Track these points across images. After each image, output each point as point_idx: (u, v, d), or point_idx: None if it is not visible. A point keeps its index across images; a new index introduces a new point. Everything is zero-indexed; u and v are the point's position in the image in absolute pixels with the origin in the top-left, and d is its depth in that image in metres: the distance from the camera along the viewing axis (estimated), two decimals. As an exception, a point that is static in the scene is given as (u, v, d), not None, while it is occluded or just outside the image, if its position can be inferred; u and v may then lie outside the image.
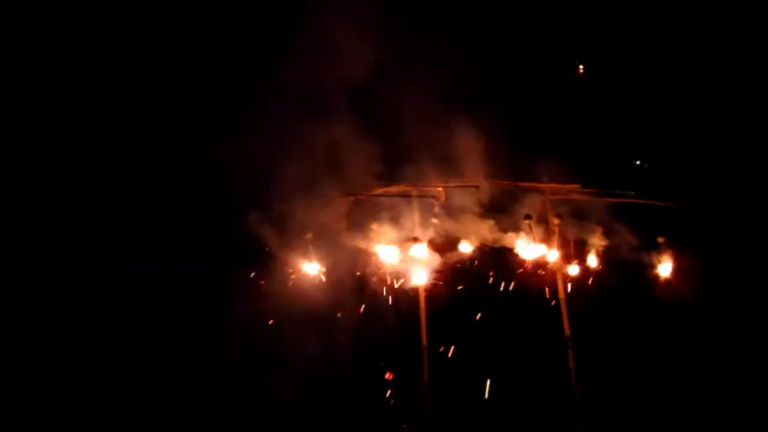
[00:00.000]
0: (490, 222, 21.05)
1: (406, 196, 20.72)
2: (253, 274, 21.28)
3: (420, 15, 22.68)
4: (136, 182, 22.52)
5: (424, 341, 20.14)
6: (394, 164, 20.95)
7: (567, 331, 20.38)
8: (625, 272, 21.36)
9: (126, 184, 22.50)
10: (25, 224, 21.93)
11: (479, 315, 21.61)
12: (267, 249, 20.78)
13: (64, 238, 21.97)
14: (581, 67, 25.11)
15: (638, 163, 24.62)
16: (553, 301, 20.60)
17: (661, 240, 21.28)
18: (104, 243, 22.06)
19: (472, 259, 21.16)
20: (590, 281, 21.27)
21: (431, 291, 20.29)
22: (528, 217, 20.70)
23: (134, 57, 22.87)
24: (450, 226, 20.86)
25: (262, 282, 21.16)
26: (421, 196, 20.62)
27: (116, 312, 21.64)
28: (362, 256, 20.68)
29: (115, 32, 22.99)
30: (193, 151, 22.04)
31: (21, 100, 22.39)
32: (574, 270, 21.10)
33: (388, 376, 21.25)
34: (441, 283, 20.57)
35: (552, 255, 20.73)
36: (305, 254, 20.65)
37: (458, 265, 21.00)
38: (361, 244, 20.65)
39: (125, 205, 22.35)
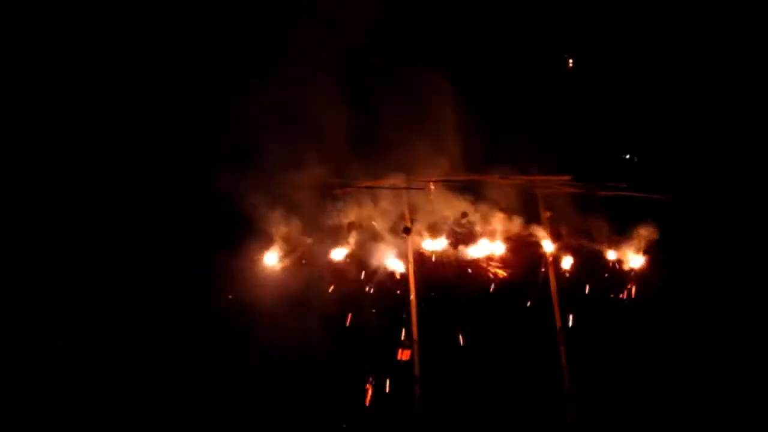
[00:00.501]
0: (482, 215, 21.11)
1: (396, 188, 20.76)
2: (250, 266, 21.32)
3: (418, 10, 22.75)
4: (136, 182, 22.49)
5: (415, 336, 20.18)
6: (386, 155, 21.00)
7: (559, 324, 20.42)
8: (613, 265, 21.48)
9: (126, 184, 22.45)
10: (25, 224, 21.85)
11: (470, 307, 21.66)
12: (261, 241, 20.92)
13: (64, 238, 21.89)
14: (570, 61, 25.01)
15: (628, 156, 24.53)
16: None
17: (645, 233, 21.30)
18: (104, 243, 21.97)
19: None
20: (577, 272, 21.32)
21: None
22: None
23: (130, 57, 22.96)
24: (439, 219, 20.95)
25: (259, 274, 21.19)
26: (410, 188, 20.65)
27: (116, 312, 21.56)
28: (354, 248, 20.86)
29: (114, 32, 23.00)
30: (189, 146, 22.05)
31: (21, 101, 22.29)
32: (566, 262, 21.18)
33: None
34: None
35: (546, 247, 20.82)
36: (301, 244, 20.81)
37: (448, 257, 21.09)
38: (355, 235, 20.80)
39: (125, 205, 22.31)
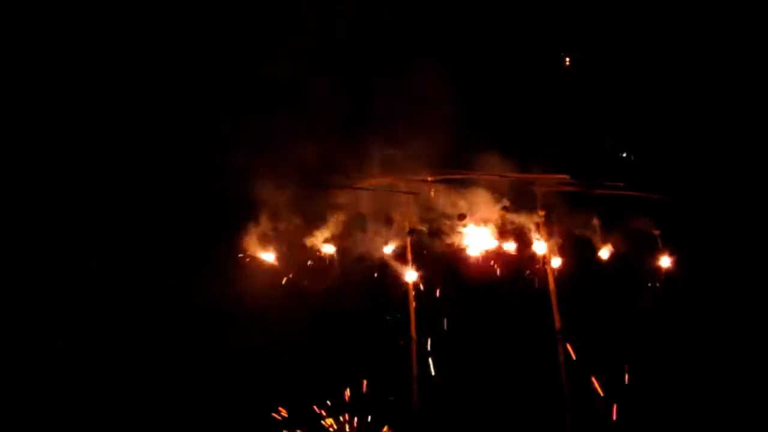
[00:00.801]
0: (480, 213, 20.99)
1: (392, 190, 20.64)
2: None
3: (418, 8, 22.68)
4: (136, 182, 22.35)
5: (413, 334, 20.08)
6: (383, 155, 20.89)
7: (558, 324, 20.28)
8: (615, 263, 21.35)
9: (126, 184, 22.32)
10: (25, 224, 21.71)
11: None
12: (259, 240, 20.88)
13: (64, 238, 21.76)
14: (567, 59, 24.91)
15: (625, 155, 24.40)
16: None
17: (656, 232, 21.20)
18: (104, 243, 21.84)
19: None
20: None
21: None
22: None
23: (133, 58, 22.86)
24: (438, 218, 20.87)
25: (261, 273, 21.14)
26: (408, 192, 20.55)
27: (116, 312, 21.45)
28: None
29: (114, 33, 22.89)
30: (188, 146, 21.95)
31: (21, 101, 22.15)
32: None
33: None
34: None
35: (541, 247, 20.72)
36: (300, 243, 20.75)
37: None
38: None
39: (125, 205, 22.18)
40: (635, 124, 23.96)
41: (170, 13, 22.86)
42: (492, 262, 20.94)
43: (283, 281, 21.04)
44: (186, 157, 22.04)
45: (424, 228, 20.77)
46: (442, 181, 20.76)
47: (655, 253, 21.40)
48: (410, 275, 20.39)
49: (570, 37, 24.87)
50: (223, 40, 22.67)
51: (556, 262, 20.75)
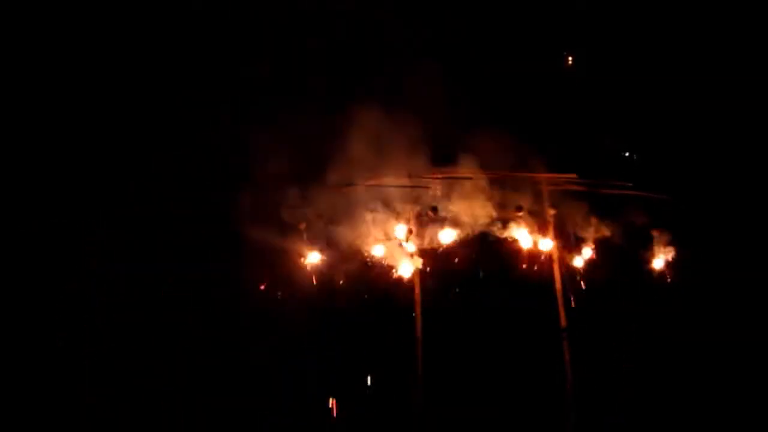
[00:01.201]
0: (486, 212, 20.82)
1: (401, 186, 20.43)
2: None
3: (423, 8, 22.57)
4: (136, 182, 22.13)
5: (419, 333, 19.90)
6: (391, 154, 20.70)
7: (563, 321, 20.16)
8: (619, 262, 21.22)
9: (126, 184, 22.10)
10: (25, 224, 21.48)
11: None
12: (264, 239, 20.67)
13: (64, 238, 21.53)
14: (570, 58, 24.89)
15: (627, 154, 24.38)
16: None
17: (656, 233, 21.15)
18: (104, 243, 21.62)
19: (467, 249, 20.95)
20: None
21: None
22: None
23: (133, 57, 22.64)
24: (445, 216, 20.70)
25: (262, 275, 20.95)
26: (415, 186, 20.39)
27: (116, 312, 21.19)
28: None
29: (114, 33, 22.71)
30: (189, 146, 21.81)
31: (21, 101, 21.96)
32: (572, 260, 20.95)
33: None
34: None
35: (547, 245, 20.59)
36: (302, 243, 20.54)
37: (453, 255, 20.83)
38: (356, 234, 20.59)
39: (125, 205, 21.94)
40: (636, 123, 23.95)
41: (170, 13, 22.70)
42: (499, 259, 20.86)
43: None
44: (186, 157, 21.82)
45: (428, 225, 20.58)
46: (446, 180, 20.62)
47: (657, 252, 21.30)
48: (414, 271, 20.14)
49: (570, 37, 24.81)
50: (223, 39, 22.53)
51: (563, 260, 20.64)
